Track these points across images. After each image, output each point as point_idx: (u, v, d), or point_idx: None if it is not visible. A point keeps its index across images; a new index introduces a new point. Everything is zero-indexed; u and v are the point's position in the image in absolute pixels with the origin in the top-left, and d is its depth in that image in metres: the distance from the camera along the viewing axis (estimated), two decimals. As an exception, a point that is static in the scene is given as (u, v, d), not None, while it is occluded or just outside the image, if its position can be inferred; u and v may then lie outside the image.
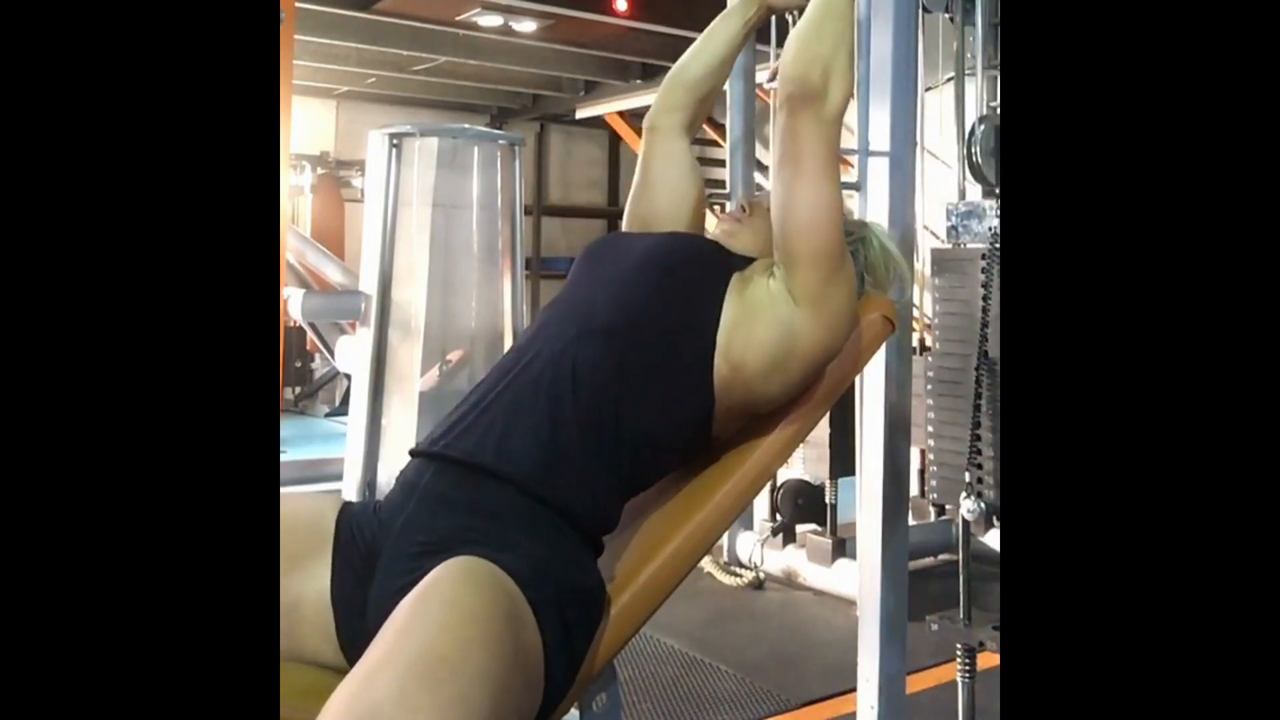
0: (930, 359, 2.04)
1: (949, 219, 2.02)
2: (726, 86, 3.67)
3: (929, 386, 2.05)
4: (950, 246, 2.01)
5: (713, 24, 1.60)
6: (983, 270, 1.86)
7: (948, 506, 3.77)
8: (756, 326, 1.27)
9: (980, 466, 1.81)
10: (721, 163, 4.79)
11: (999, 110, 2.23)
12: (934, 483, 2.04)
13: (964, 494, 1.82)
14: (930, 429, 2.02)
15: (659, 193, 1.54)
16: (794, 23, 3.68)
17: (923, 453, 3.86)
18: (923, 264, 2.42)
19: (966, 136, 2.17)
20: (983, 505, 1.80)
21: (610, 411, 1.20)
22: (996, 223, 1.89)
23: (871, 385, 2.08)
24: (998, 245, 1.84)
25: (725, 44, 1.59)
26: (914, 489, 3.68)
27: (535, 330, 1.31)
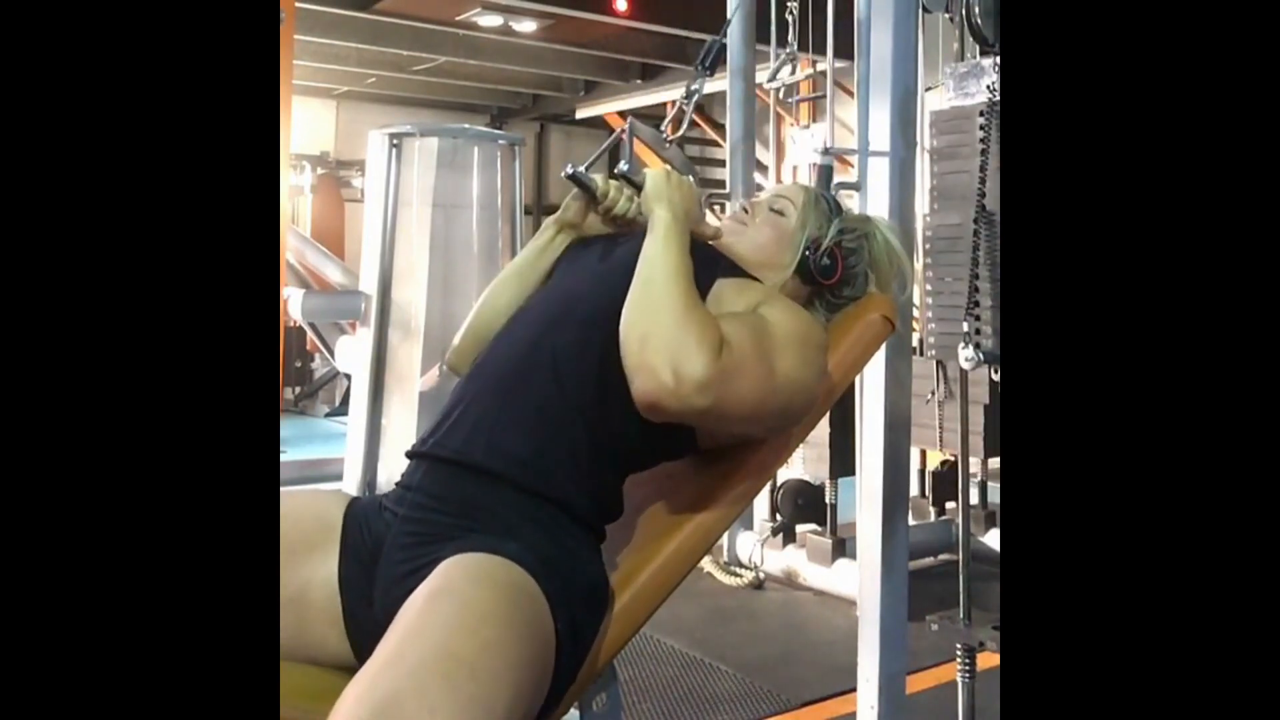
0: (928, 219, 2.08)
1: (948, 79, 2.05)
2: (726, 86, 3.68)
3: (927, 245, 2.09)
4: (949, 107, 2.05)
5: (517, 260, 1.46)
6: (981, 126, 1.90)
7: (948, 506, 3.79)
8: (744, 373, 1.20)
9: (978, 318, 1.85)
10: (721, 163, 4.79)
11: None
12: (932, 339, 2.08)
13: (962, 344, 1.85)
14: (928, 286, 2.06)
15: None
16: (794, 19, 3.64)
17: (923, 453, 3.87)
18: (923, 264, 2.42)
19: None
20: (980, 354, 1.83)
21: (594, 399, 1.19)
22: (995, 78, 1.92)
23: (871, 385, 2.09)
24: (997, 101, 1.87)
25: (529, 286, 1.42)
26: (914, 489, 3.69)
27: (518, 324, 1.30)
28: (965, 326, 1.84)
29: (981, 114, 1.91)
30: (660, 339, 1.11)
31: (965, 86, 2.01)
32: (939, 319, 2.04)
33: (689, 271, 1.19)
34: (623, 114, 7.95)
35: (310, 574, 1.16)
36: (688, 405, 1.09)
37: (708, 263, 1.32)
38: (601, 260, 1.34)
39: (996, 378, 1.93)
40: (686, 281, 1.17)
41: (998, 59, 1.95)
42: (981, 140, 1.89)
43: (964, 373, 1.97)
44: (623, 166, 1.40)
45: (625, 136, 1.59)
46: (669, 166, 1.40)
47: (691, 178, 1.38)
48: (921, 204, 2.33)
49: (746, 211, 1.46)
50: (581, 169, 1.41)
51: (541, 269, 1.43)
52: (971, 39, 2.18)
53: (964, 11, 2.15)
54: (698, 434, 1.26)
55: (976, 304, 1.83)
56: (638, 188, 1.35)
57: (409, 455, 1.24)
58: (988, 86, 1.93)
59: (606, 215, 1.41)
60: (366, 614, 1.13)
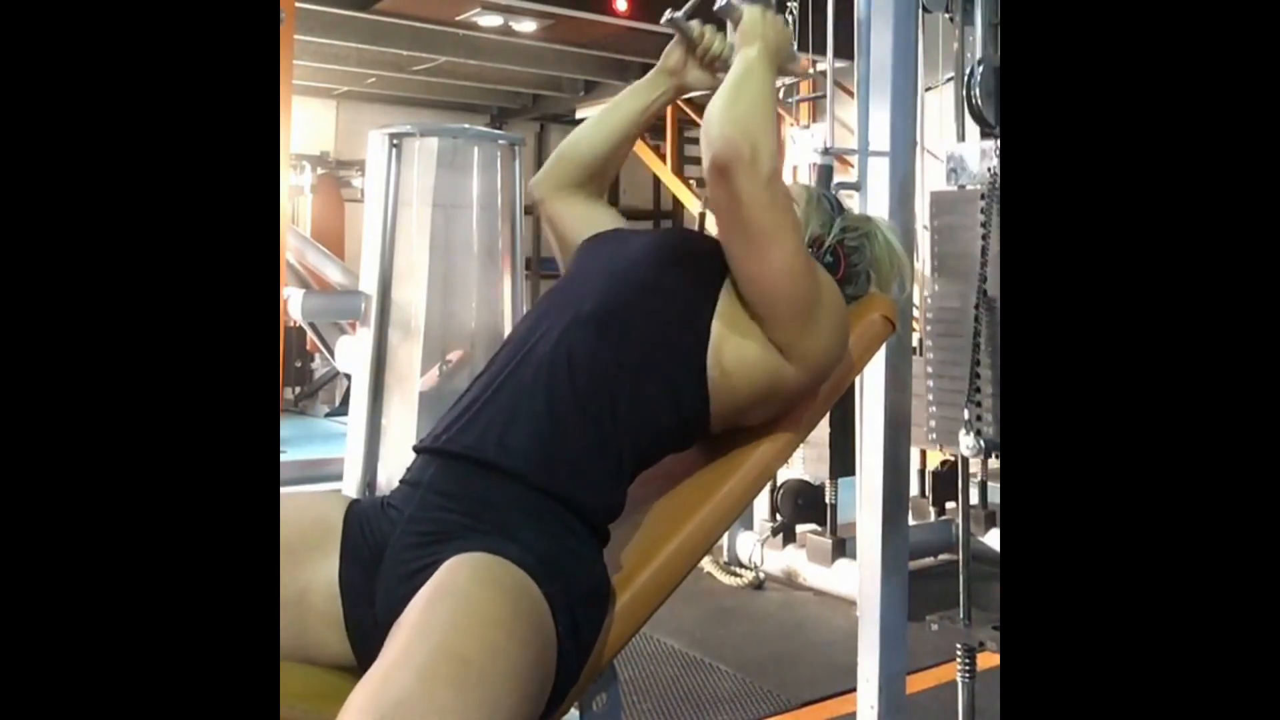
0: (929, 299, 2.07)
1: (948, 161, 2.03)
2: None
3: (929, 328, 2.07)
4: (950, 189, 2.03)
5: (617, 98, 1.54)
6: (981, 210, 1.88)
7: (948, 506, 3.79)
8: (747, 348, 1.25)
9: (979, 404, 1.83)
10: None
11: (998, 52, 2.23)
12: (933, 424, 2.06)
13: (963, 430, 1.83)
14: (929, 369, 2.04)
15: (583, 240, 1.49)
16: (794, 19, 3.65)
17: (923, 453, 3.87)
18: (923, 264, 2.42)
19: (966, 78, 2.18)
20: (981, 442, 1.82)
21: (608, 400, 1.19)
22: (996, 163, 1.90)
23: (871, 385, 2.08)
24: (997, 185, 1.86)
25: (626, 122, 1.52)
26: (914, 489, 3.69)
27: (532, 321, 1.31)
28: (966, 414, 1.83)
29: (982, 197, 1.88)
30: (749, 122, 1.19)
31: (965, 168, 1.99)
32: (939, 403, 2.01)
33: (775, 92, 1.28)
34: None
35: (310, 576, 1.16)
36: (756, 174, 1.17)
37: (718, 256, 1.34)
38: (617, 261, 1.34)
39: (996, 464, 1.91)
40: (772, 95, 1.27)
41: (998, 142, 1.94)
42: (982, 224, 1.86)
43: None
44: (721, 3, 1.42)
45: None
46: (763, 6, 1.41)
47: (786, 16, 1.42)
48: (922, 208, 2.31)
49: None
50: (679, 14, 1.47)
51: (636, 110, 1.52)
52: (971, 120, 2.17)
53: (965, 92, 2.15)
54: (711, 412, 1.27)
55: (978, 390, 1.81)
56: (735, 24, 1.38)
57: (418, 450, 1.24)
58: (988, 170, 1.91)
59: (703, 59, 1.49)
60: (367, 615, 1.13)
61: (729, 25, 1.40)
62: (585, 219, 1.50)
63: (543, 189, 1.52)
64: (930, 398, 2.06)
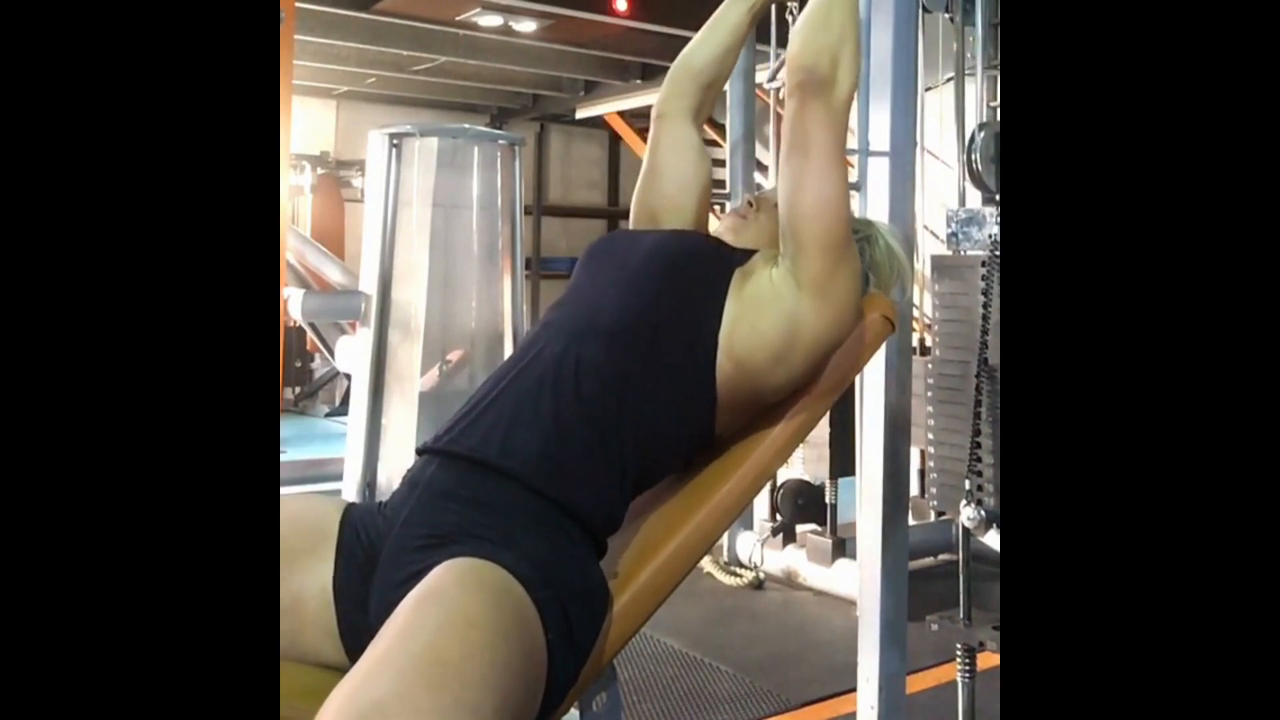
0: (930, 365, 2.04)
1: (949, 225, 2.01)
2: (727, 87, 3.68)
3: (930, 394, 2.04)
4: (951, 253, 2.01)
5: (717, 12, 1.60)
6: (982, 278, 1.85)
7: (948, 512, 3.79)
8: (760, 319, 1.27)
9: (980, 474, 1.81)
10: (721, 163, 4.79)
11: (999, 116, 2.22)
12: (934, 490, 2.03)
13: (964, 501, 1.82)
14: (930, 435, 2.02)
15: (666, 180, 1.54)
16: (794, 20, 3.67)
17: (923, 453, 3.86)
18: (923, 264, 2.42)
19: (967, 143, 2.17)
20: (983, 513, 1.80)
21: (614, 410, 1.20)
22: (996, 230, 1.89)
23: (871, 385, 2.09)
24: (998, 253, 1.84)
25: (730, 31, 1.59)
26: (914, 489, 3.69)
27: (539, 329, 1.31)
28: (967, 484, 1.82)
29: (983, 264, 1.87)
30: (838, 48, 1.28)
31: (967, 233, 1.97)
32: (940, 469, 2.00)
33: (859, 17, 1.35)
34: (623, 114, 7.95)
35: (305, 582, 1.16)
36: (834, 96, 1.27)
37: (722, 255, 1.35)
38: (624, 268, 1.35)
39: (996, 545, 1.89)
40: (859, 24, 1.33)
41: (998, 208, 1.92)
42: (983, 292, 1.85)
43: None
44: None
45: None
46: None
47: None
48: (922, 209, 2.30)
49: (751, 205, 1.47)
50: None
51: (738, 16, 1.58)
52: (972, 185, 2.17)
53: (964, 157, 2.15)
54: (719, 411, 1.28)
55: (979, 459, 1.80)
56: None
57: (420, 451, 1.24)
58: (988, 236, 1.91)
59: None
60: (362, 622, 1.12)
61: None
62: (681, 151, 1.56)
63: (666, 104, 1.57)
64: (931, 464, 2.05)
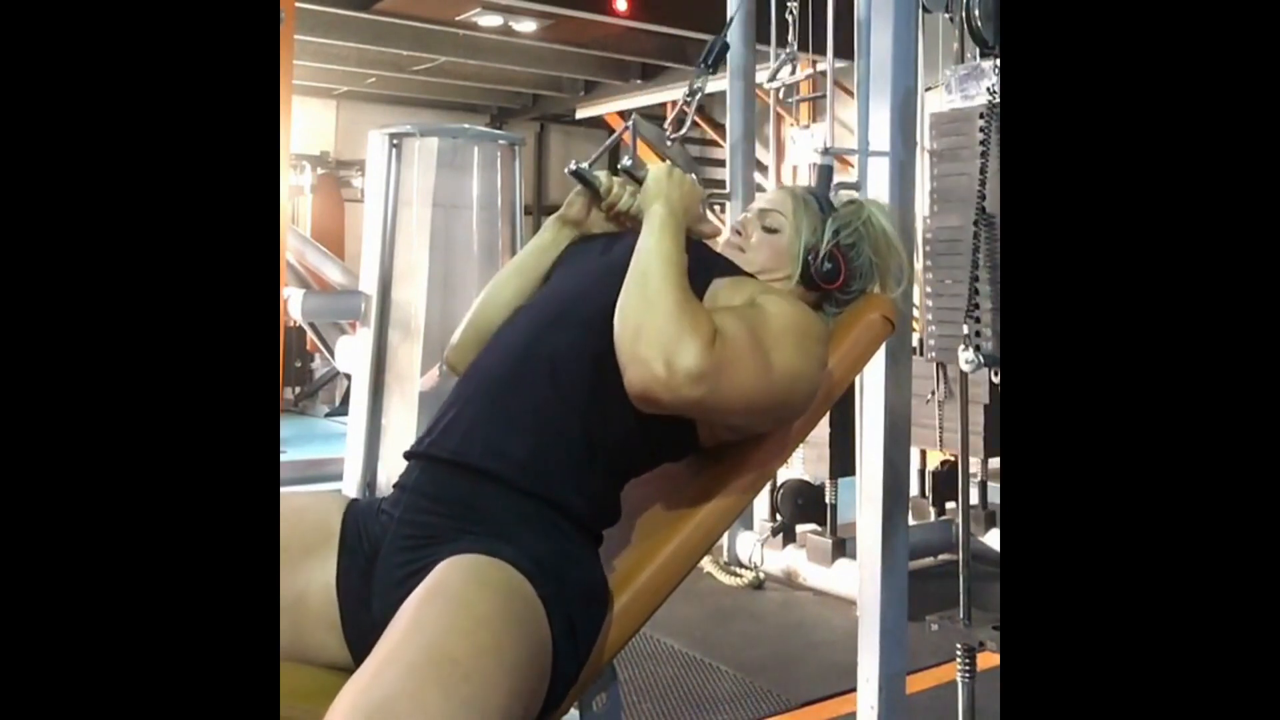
0: (928, 220, 2.09)
1: (947, 81, 2.05)
2: (726, 86, 3.68)
3: (927, 248, 2.09)
4: (949, 108, 2.05)
5: (520, 256, 1.45)
6: (981, 129, 1.90)
7: (948, 506, 3.79)
8: (737, 368, 1.16)
9: (978, 320, 1.85)
10: (721, 163, 4.79)
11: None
12: (932, 341, 2.08)
13: (962, 346, 1.85)
14: (928, 289, 2.06)
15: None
16: (794, 18, 3.63)
17: (923, 453, 3.87)
18: (922, 264, 2.42)
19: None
20: (980, 357, 1.83)
21: (590, 400, 1.18)
22: (995, 80, 1.92)
23: (871, 385, 2.09)
24: (997, 103, 1.87)
25: (535, 281, 1.41)
26: (914, 489, 3.69)
27: (512, 324, 1.30)
28: (965, 329, 1.85)
29: (981, 116, 1.91)
30: (653, 330, 1.11)
31: (965, 88, 2.01)
32: (939, 321, 2.05)
33: (683, 265, 1.19)
34: (623, 114, 7.94)
35: (308, 579, 1.16)
36: (680, 396, 1.10)
37: (705, 262, 1.33)
38: (599, 260, 1.34)
39: (996, 380, 1.93)
40: (679, 275, 1.17)
41: (998, 61, 1.96)
42: (982, 143, 1.89)
43: (964, 373, 1.97)
44: (625, 163, 1.40)
45: (628, 134, 1.59)
46: (671, 163, 1.40)
47: (694, 176, 1.38)
48: (922, 205, 2.32)
49: (740, 234, 1.44)
50: (585, 165, 1.41)
51: (543, 266, 1.42)
52: (971, 41, 2.18)
53: (964, 14, 2.15)
54: (699, 431, 1.26)
55: (976, 306, 1.83)
56: (639, 183, 1.35)
57: (406, 456, 1.24)
58: (988, 89, 1.93)
59: (609, 212, 1.41)
60: (365, 618, 1.12)
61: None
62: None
63: (455, 358, 1.40)
64: (930, 317, 2.09)
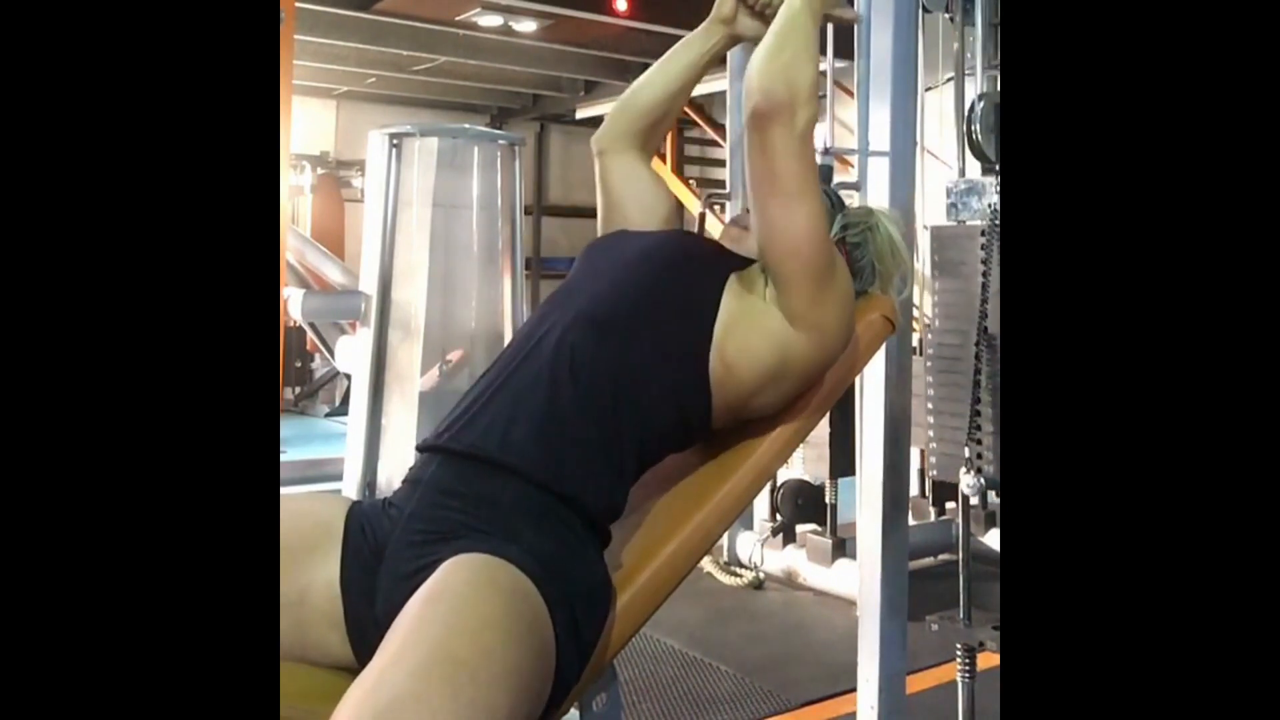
0: (930, 336, 2.06)
1: (949, 196, 2.03)
2: (726, 87, 3.68)
3: (929, 364, 2.05)
4: (951, 224, 2.02)
5: (673, 49, 1.57)
6: (982, 247, 1.87)
7: (948, 506, 3.80)
8: (752, 335, 1.27)
9: (980, 442, 1.83)
10: (721, 163, 4.79)
11: (999, 86, 2.23)
12: (934, 459, 2.05)
13: (963, 469, 1.83)
14: (930, 405, 2.03)
15: (628, 210, 1.51)
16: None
17: (923, 453, 3.86)
18: (923, 264, 2.42)
19: (966, 114, 2.18)
20: (982, 480, 1.82)
21: (610, 399, 1.20)
22: (996, 199, 1.90)
23: (871, 385, 2.09)
24: (998, 222, 1.85)
25: (682, 70, 1.55)
26: (914, 489, 3.69)
27: (535, 322, 1.31)
28: (967, 452, 1.83)
29: (982, 234, 1.88)
30: (792, 73, 1.24)
31: (966, 204, 1.99)
32: (940, 439, 2.01)
33: (817, 45, 1.32)
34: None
35: (310, 577, 1.16)
36: (794, 125, 1.22)
37: (720, 258, 1.34)
38: (621, 262, 1.35)
39: (997, 502, 1.91)
40: (816, 51, 1.31)
41: (998, 178, 1.94)
42: (983, 261, 1.86)
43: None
44: None
45: None
46: None
47: None
48: (922, 209, 2.31)
49: (749, 213, 1.45)
50: None
51: (689, 59, 1.54)
52: (969, 141, 2.18)
53: (964, 127, 2.15)
54: (713, 407, 1.27)
55: (978, 428, 1.81)
56: None
57: (421, 449, 1.24)
58: (988, 206, 1.91)
59: (755, 7, 1.50)
60: (368, 615, 1.13)
61: None
62: (633, 181, 1.52)
63: (604, 141, 1.54)
64: (931, 434, 2.06)
